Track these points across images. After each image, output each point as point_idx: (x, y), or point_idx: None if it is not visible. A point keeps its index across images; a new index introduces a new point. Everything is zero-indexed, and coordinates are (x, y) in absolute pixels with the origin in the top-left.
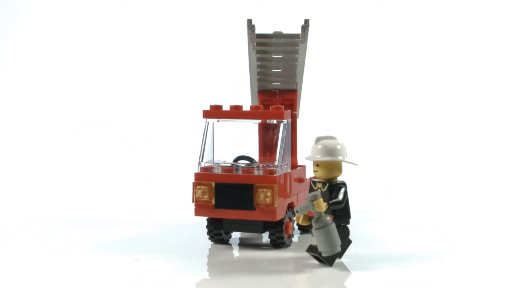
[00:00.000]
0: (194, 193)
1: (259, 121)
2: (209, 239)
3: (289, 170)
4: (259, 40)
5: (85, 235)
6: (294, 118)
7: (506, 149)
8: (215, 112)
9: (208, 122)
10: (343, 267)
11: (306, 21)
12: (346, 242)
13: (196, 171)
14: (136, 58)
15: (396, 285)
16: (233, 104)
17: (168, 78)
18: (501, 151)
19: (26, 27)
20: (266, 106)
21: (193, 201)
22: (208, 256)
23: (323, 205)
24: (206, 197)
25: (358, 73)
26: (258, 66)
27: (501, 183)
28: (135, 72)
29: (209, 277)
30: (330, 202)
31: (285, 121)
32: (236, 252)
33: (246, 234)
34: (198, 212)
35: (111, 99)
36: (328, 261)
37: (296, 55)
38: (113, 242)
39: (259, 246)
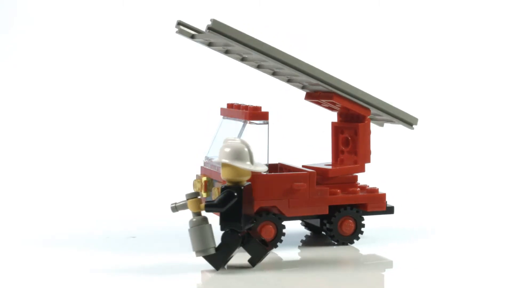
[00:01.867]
0: (194, 185)
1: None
2: None
3: (262, 172)
4: (196, 40)
5: (88, 234)
6: (364, 123)
7: (506, 149)
8: (223, 109)
9: (223, 119)
10: (343, 268)
11: (211, 21)
12: (256, 250)
13: (202, 165)
14: (135, 58)
15: (397, 285)
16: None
17: (167, 78)
18: (501, 151)
19: (26, 27)
20: (329, 108)
21: None
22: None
23: (195, 206)
24: (201, 190)
25: (358, 73)
26: (258, 66)
27: (501, 183)
28: (135, 73)
29: (212, 276)
30: (205, 202)
31: (260, 121)
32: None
33: None
34: None
35: (111, 99)
36: (211, 263)
37: (255, 54)
38: (117, 240)
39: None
